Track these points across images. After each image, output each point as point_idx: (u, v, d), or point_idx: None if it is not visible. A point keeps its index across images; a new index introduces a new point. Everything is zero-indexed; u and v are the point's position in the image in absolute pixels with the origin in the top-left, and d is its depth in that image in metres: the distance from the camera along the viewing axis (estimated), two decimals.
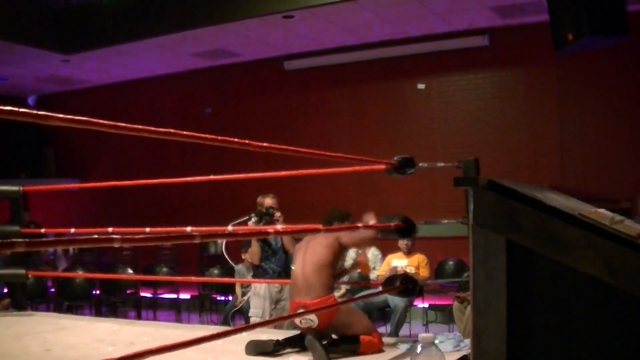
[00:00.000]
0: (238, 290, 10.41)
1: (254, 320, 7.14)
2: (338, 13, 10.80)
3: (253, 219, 7.09)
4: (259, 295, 7.37)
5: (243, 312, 10.17)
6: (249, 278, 10.37)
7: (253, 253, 7.48)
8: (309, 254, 5.29)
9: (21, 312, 7.95)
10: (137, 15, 12.02)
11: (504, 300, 3.34)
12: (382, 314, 9.72)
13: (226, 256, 7.41)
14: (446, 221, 10.56)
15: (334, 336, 5.08)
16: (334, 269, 5.29)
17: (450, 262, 10.81)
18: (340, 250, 5.27)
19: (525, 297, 3.36)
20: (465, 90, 12.19)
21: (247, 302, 10.08)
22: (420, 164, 5.22)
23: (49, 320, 7.49)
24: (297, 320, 5.14)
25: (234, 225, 6.63)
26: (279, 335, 5.40)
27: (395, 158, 5.18)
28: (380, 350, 5.02)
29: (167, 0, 11.79)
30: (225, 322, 10.20)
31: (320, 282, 5.15)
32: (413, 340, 5.42)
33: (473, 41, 11.86)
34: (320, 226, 5.15)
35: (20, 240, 2.47)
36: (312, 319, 5.00)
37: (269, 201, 7.33)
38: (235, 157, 10.33)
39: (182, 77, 14.69)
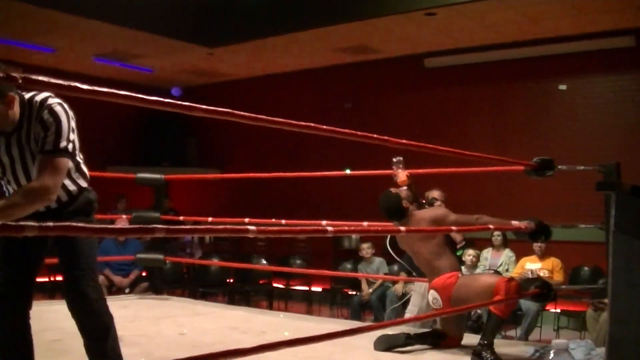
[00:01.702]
0: (364, 286, 10.45)
1: (408, 316, 7.04)
2: (481, 11, 10.65)
3: None
4: (418, 293, 7.29)
5: (373, 307, 10.20)
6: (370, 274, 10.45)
7: None
8: (418, 240, 5.34)
9: (158, 296, 8.20)
10: (280, 10, 12.16)
11: None
12: (513, 316, 9.53)
13: (391, 251, 7.31)
14: (583, 225, 10.30)
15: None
16: (446, 245, 5.33)
17: (586, 268, 10.52)
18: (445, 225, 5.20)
19: None
20: (609, 92, 11.79)
21: (375, 295, 10.15)
22: (559, 167, 5.13)
23: (184, 305, 7.70)
24: (430, 302, 5.28)
25: None
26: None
27: (534, 159, 5.11)
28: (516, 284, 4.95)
29: None
30: (354, 316, 10.24)
31: (439, 263, 5.23)
32: (543, 345, 5.32)
33: (619, 42, 11.43)
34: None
35: (160, 226, 2.53)
36: (437, 298, 5.16)
37: (434, 193, 7.23)
38: (373, 153, 10.30)
39: (323, 72, 14.78)
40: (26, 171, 3.59)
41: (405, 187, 5.45)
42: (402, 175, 5.49)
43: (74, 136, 3.56)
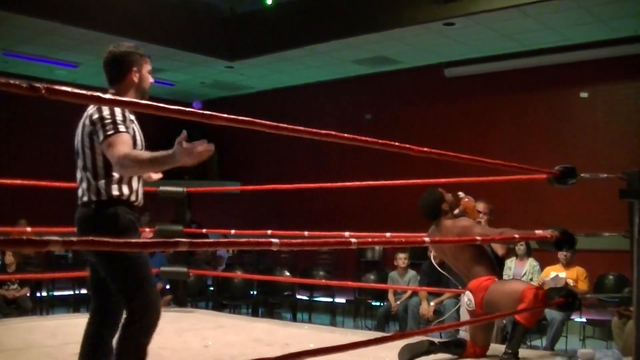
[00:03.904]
0: (391, 297, 10.39)
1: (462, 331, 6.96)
2: (500, 20, 10.64)
3: None
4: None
5: (399, 318, 10.15)
6: (401, 285, 10.39)
7: None
8: (451, 255, 5.41)
9: (182, 308, 8.21)
10: (299, 22, 12.21)
11: None
12: (538, 326, 9.47)
13: (439, 268, 7.30)
14: (607, 234, 10.27)
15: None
16: (480, 255, 5.31)
17: (611, 277, 10.44)
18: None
19: None
20: (630, 99, 11.72)
21: (402, 307, 10.08)
22: (582, 175, 5.10)
23: (208, 318, 7.71)
24: (465, 304, 5.32)
25: None
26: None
27: (556, 168, 5.08)
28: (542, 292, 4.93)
29: (329, 8, 11.92)
30: (379, 328, 10.20)
31: (477, 269, 5.23)
32: (569, 355, 5.28)
33: (639, 48, 11.36)
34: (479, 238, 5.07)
35: (183, 240, 2.54)
36: (471, 299, 5.18)
37: (480, 206, 7.18)
38: (394, 163, 10.33)
39: (343, 83, 14.81)
40: None
41: (463, 209, 5.54)
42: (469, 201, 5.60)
43: None
